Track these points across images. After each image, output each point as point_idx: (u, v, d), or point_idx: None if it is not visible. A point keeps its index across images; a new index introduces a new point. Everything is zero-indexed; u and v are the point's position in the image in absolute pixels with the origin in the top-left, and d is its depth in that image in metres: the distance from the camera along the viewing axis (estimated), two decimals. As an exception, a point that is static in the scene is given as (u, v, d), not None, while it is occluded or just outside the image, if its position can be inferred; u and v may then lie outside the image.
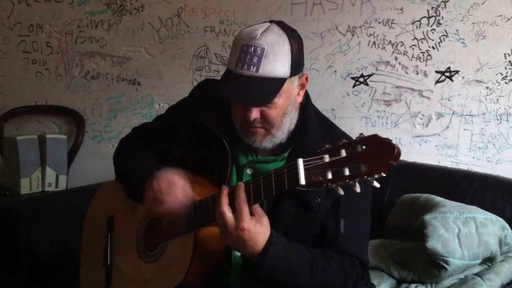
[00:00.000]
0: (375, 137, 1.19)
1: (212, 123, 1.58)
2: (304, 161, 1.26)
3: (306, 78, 1.55)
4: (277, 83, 1.45)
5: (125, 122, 3.02)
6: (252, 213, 1.37)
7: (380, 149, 1.17)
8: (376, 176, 1.18)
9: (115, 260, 1.72)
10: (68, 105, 3.11)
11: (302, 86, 1.55)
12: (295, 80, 1.52)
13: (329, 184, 1.23)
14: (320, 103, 2.75)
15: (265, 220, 1.39)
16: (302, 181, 1.25)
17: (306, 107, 1.59)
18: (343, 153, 1.22)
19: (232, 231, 1.37)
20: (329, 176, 1.23)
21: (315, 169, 1.24)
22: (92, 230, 1.84)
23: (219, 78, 1.55)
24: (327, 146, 1.25)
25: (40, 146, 2.88)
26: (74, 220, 2.39)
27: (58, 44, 3.10)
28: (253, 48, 1.44)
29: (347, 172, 1.21)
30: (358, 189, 1.21)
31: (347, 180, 1.21)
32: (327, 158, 1.23)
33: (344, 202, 1.49)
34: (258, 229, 1.37)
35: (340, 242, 1.51)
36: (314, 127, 1.57)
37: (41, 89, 3.13)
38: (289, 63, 1.47)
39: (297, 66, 1.49)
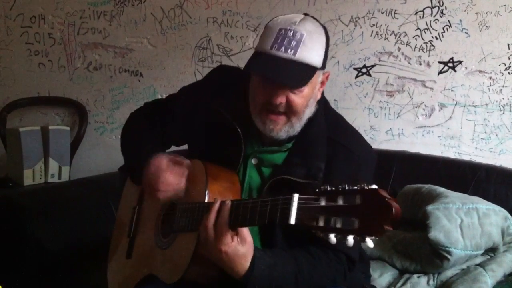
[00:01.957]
0: (375, 192, 1.08)
1: (227, 110, 1.57)
2: (299, 199, 1.19)
3: (327, 77, 1.56)
4: (310, 70, 1.46)
5: (127, 113, 2.96)
6: (235, 233, 1.35)
7: (377, 208, 1.06)
8: (366, 237, 1.07)
9: (138, 234, 1.71)
10: (70, 97, 3.11)
11: (322, 83, 1.55)
12: (321, 75, 1.53)
13: (318, 231, 1.14)
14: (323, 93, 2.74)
15: (248, 242, 1.36)
16: (292, 220, 1.19)
17: (318, 103, 1.59)
18: (340, 200, 1.12)
19: (211, 249, 1.36)
20: (321, 223, 1.13)
21: (308, 211, 1.17)
22: (127, 197, 1.83)
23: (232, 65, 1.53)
24: (327, 187, 1.16)
25: (43, 138, 2.89)
26: (79, 210, 2.42)
27: (60, 35, 3.10)
28: (292, 32, 1.44)
29: (339, 224, 1.11)
30: (350, 244, 1.10)
31: (337, 234, 1.12)
32: (323, 202, 1.15)
33: None
34: (238, 252, 1.35)
35: None
36: (320, 121, 1.57)
37: (44, 81, 3.13)
38: (323, 54, 1.48)
39: (326, 60, 1.51)
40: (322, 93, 1.60)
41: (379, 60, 2.73)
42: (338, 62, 2.76)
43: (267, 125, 1.50)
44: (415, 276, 2.07)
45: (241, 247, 1.35)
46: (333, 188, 1.15)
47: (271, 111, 1.48)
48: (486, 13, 2.58)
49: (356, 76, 2.76)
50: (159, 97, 2.99)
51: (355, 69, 2.76)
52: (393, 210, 1.04)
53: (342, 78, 2.77)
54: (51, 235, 2.27)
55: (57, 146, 2.91)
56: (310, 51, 1.44)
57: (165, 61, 3.00)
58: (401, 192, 2.32)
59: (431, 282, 2.03)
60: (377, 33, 2.72)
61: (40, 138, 2.88)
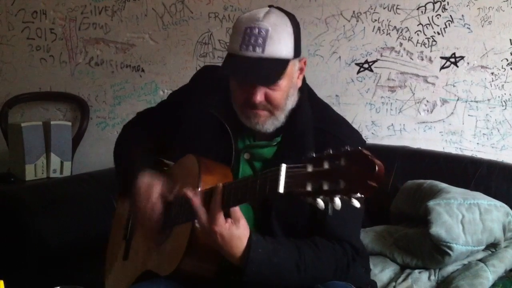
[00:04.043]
0: (358, 152, 1.11)
1: (215, 108, 1.58)
2: (287, 168, 1.21)
3: (305, 62, 1.57)
4: (282, 64, 1.46)
5: (129, 109, 3.03)
6: (229, 215, 1.37)
7: (361, 167, 1.09)
8: (353, 196, 1.10)
9: (134, 235, 1.72)
10: (72, 92, 3.11)
11: (301, 70, 1.56)
12: (296, 63, 1.53)
13: (306, 196, 1.16)
14: (325, 90, 2.74)
15: (242, 224, 1.38)
16: (281, 189, 1.20)
17: (301, 91, 1.60)
18: (326, 165, 1.14)
19: (207, 233, 1.38)
20: (309, 188, 1.15)
21: (296, 179, 1.18)
22: (124, 201, 1.84)
23: (220, 64, 1.55)
24: (312, 154, 1.18)
25: (45, 133, 2.89)
26: (82, 206, 2.42)
27: (62, 31, 3.10)
28: (257, 29, 1.44)
29: (326, 186, 1.13)
30: (337, 206, 1.14)
31: (324, 196, 1.14)
32: (310, 168, 1.16)
33: None
34: (232, 233, 1.36)
35: (329, 225, 1.50)
36: (306, 111, 1.58)
37: (46, 76, 3.14)
38: (292, 44, 1.48)
39: (298, 48, 1.51)
40: (304, 80, 1.60)
41: (381, 56, 2.72)
42: (339, 57, 2.76)
43: (252, 120, 1.52)
44: (416, 271, 2.07)
45: (236, 228, 1.37)
46: (319, 155, 1.17)
47: (253, 107, 1.50)
48: (488, 9, 2.58)
49: (358, 72, 2.76)
50: (161, 92, 3.00)
51: (356, 64, 2.75)
52: (376, 166, 1.07)
53: (343, 74, 2.77)
54: (53, 230, 2.28)
55: (58, 141, 2.92)
56: (278, 45, 1.45)
57: (167, 56, 3.00)
58: (402, 187, 2.32)
59: (432, 277, 2.04)
60: (379, 29, 2.72)
61: (42, 133, 2.89)
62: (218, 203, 1.36)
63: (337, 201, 1.13)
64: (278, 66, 1.46)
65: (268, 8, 1.51)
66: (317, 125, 1.56)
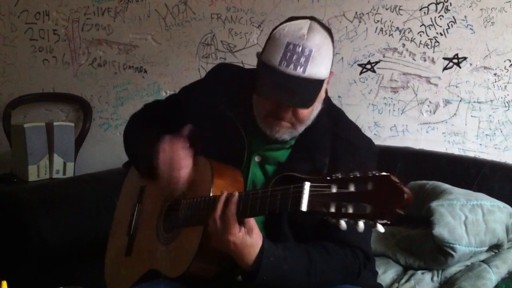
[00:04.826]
0: (387, 179, 1.11)
1: (228, 108, 1.57)
2: (311, 186, 1.20)
3: (331, 75, 1.56)
4: (318, 85, 1.46)
5: (132, 110, 2.96)
6: (243, 224, 1.37)
7: (389, 193, 1.09)
8: (379, 221, 1.11)
9: (138, 231, 1.72)
10: (75, 93, 3.12)
11: (327, 83, 1.55)
12: (327, 79, 1.52)
13: (330, 217, 1.17)
14: (327, 91, 2.73)
15: (255, 233, 1.38)
16: (304, 207, 1.20)
17: (323, 101, 1.59)
18: (352, 187, 1.15)
19: (219, 240, 1.38)
20: (332, 209, 1.16)
21: (320, 198, 1.19)
22: (126, 196, 1.84)
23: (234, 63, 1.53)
24: (338, 175, 1.18)
25: (48, 134, 2.90)
26: (84, 207, 2.42)
27: (65, 32, 3.11)
28: (301, 48, 1.42)
29: (350, 209, 1.14)
30: (360, 229, 1.14)
31: (349, 219, 1.15)
32: (334, 189, 1.17)
33: None
34: (246, 242, 1.36)
35: (342, 231, 1.50)
36: (323, 117, 1.57)
37: (48, 77, 3.14)
38: (330, 64, 1.48)
39: (331, 65, 1.51)
40: (326, 91, 1.60)
41: (384, 57, 2.72)
42: (342, 58, 2.76)
43: (273, 129, 1.51)
44: (419, 272, 2.07)
45: (249, 237, 1.37)
46: (345, 176, 1.17)
47: (278, 119, 1.49)
48: (491, 9, 2.57)
49: (361, 73, 2.75)
50: (163, 93, 3.00)
51: (359, 65, 2.75)
52: (405, 194, 1.09)
53: (346, 75, 2.76)
54: (54, 231, 2.28)
55: (61, 142, 2.92)
56: (319, 66, 1.44)
57: (169, 57, 3.00)
58: (405, 188, 2.32)
59: (435, 278, 2.03)
60: (381, 29, 2.71)
61: (45, 134, 2.89)
62: (233, 213, 1.36)
63: (361, 224, 1.13)
64: (315, 88, 1.45)
65: (309, 21, 1.48)
66: (332, 130, 1.56)
